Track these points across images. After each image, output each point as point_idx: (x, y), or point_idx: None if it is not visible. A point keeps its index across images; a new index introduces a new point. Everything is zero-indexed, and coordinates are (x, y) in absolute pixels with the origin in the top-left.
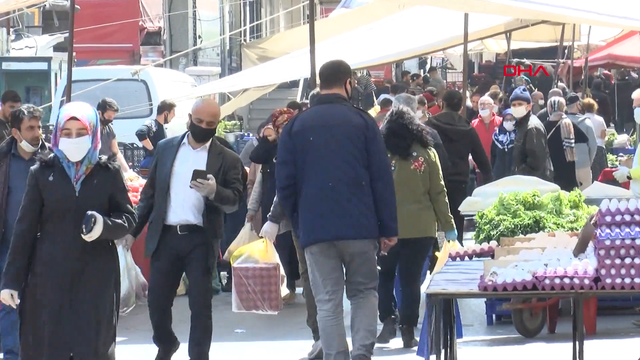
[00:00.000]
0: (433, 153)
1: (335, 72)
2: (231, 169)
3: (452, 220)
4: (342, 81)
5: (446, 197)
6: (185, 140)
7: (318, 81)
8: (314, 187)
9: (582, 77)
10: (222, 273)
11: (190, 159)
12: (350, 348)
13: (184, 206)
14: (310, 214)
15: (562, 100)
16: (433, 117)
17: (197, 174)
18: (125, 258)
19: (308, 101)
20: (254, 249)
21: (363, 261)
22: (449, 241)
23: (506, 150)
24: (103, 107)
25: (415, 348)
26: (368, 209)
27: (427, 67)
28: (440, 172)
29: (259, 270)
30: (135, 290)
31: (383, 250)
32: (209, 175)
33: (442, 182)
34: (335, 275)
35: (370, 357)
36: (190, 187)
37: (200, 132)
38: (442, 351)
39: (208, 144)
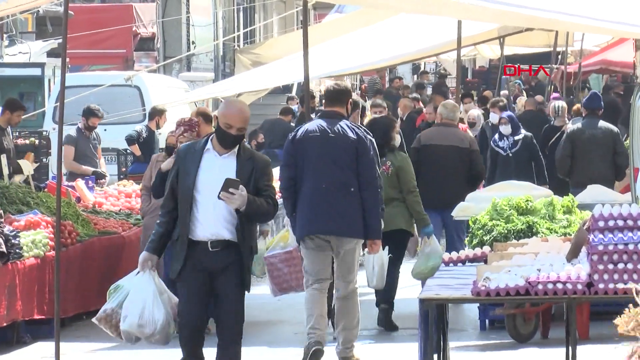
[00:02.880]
0: (400, 156)
1: (339, 94)
2: (263, 176)
3: (426, 216)
4: (343, 102)
5: (418, 197)
6: (209, 145)
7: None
8: (310, 188)
9: (575, 83)
10: None
11: (217, 167)
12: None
13: (215, 219)
14: (306, 210)
15: (565, 105)
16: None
17: (228, 184)
18: (153, 281)
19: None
20: (279, 237)
21: (350, 258)
22: (427, 237)
23: (510, 154)
24: (86, 114)
25: (394, 333)
26: (356, 211)
27: (420, 72)
28: (411, 173)
29: (285, 254)
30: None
31: (369, 252)
32: (241, 186)
33: (414, 182)
34: (324, 266)
35: (354, 354)
36: (220, 198)
37: (229, 138)
38: (435, 356)
39: (236, 148)
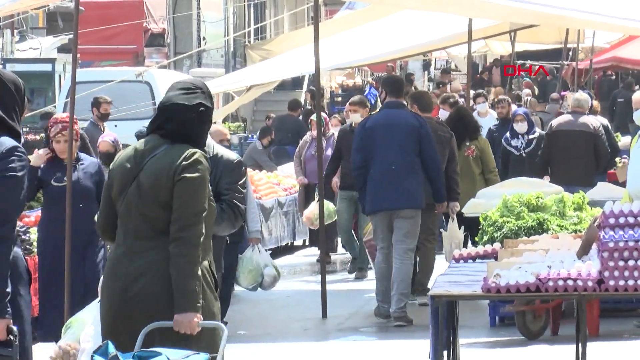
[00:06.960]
0: (483, 140)
1: (400, 86)
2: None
3: None
4: (403, 93)
5: (497, 176)
6: None
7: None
8: (380, 169)
9: (587, 79)
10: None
11: None
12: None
13: None
14: (376, 189)
15: (534, 99)
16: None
17: None
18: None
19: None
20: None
21: (409, 224)
22: None
23: (524, 154)
24: (96, 103)
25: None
26: (419, 186)
27: (432, 68)
28: (491, 155)
29: None
30: None
31: (437, 211)
32: None
33: (494, 163)
34: (389, 236)
35: (406, 314)
36: None
37: None
38: (445, 352)
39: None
